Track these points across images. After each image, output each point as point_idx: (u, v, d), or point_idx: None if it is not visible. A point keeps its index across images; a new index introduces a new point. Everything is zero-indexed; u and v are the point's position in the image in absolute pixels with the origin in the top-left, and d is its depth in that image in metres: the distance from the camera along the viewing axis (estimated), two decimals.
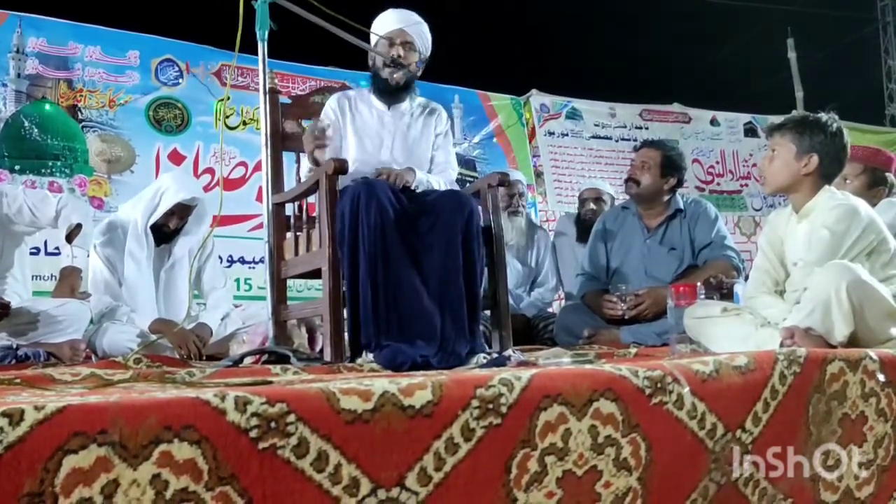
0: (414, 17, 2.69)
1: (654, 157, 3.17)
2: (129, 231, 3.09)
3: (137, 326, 2.95)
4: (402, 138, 2.69)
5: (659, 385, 1.20)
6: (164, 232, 3.12)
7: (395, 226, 2.24)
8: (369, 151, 2.62)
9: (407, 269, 2.23)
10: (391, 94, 2.68)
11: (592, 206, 4.05)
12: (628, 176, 3.24)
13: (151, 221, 3.07)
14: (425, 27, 2.71)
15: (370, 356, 2.13)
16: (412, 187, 2.49)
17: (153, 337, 2.84)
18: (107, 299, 3.03)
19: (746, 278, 2.81)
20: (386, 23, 2.67)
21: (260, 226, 2.96)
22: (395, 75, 2.64)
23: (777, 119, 2.71)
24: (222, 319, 3.15)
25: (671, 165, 3.17)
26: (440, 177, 2.69)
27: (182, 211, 3.12)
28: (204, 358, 2.91)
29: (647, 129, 5.77)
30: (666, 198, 3.20)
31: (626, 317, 3.00)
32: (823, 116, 2.24)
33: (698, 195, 5.87)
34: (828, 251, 2.05)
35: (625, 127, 5.76)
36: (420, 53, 2.68)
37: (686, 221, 3.16)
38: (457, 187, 2.76)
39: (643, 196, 3.19)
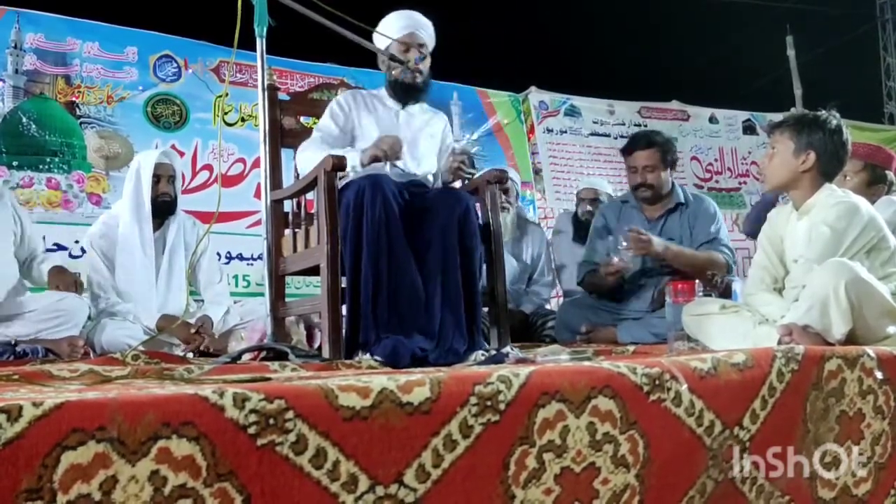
0: (421, 17, 2.71)
1: (654, 156, 3.14)
2: (123, 225, 3.09)
3: (143, 324, 2.95)
4: (415, 138, 2.69)
5: (657, 382, 1.20)
6: (166, 204, 3.14)
7: (399, 221, 2.24)
8: None
9: (409, 264, 2.23)
10: (409, 93, 2.69)
11: (589, 207, 4.04)
12: (639, 183, 3.16)
13: (149, 198, 3.08)
14: (430, 25, 2.73)
15: (367, 354, 2.13)
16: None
17: (156, 333, 2.85)
18: (105, 296, 3.03)
19: (745, 275, 2.82)
20: (399, 26, 2.67)
21: (258, 222, 2.96)
22: (417, 79, 2.66)
23: (776, 117, 2.71)
24: (222, 315, 3.15)
25: (669, 153, 3.18)
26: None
27: (164, 171, 3.14)
28: (209, 349, 2.94)
29: (645, 126, 5.74)
30: (669, 186, 3.20)
31: (626, 269, 2.97)
32: (822, 114, 2.23)
33: (697, 193, 5.90)
34: (828, 248, 2.05)
35: (623, 124, 5.75)
36: (429, 55, 2.72)
37: (687, 215, 3.17)
38: None
39: (656, 194, 3.17)
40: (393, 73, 2.67)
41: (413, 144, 2.66)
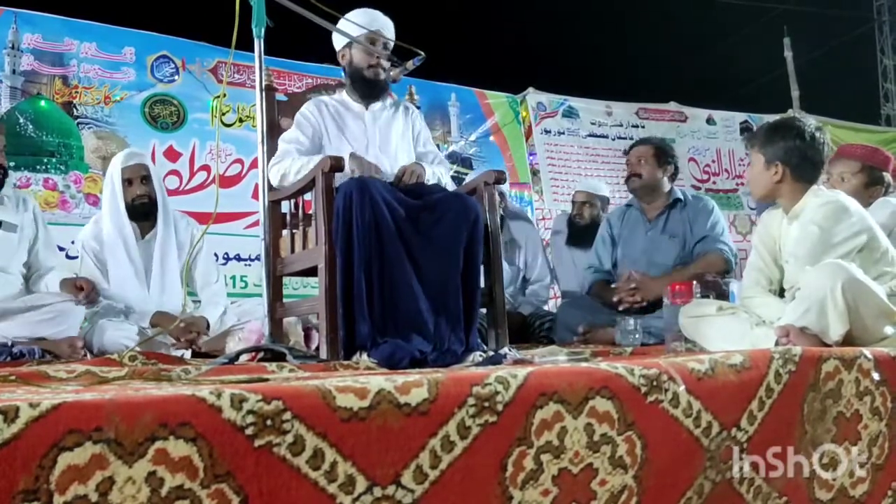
0: (386, 19, 2.71)
1: (647, 150, 3.35)
2: (107, 232, 3.08)
3: (136, 323, 2.94)
4: (385, 136, 2.71)
5: (655, 383, 1.20)
6: (144, 206, 3.08)
7: (391, 223, 2.24)
8: (358, 152, 2.62)
9: (403, 267, 2.23)
10: (373, 92, 2.71)
11: (581, 210, 4.06)
12: (629, 173, 3.37)
13: (124, 202, 3.05)
14: (392, 29, 2.74)
15: (365, 356, 2.13)
16: (425, 181, 2.51)
17: (152, 333, 2.84)
18: (100, 298, 3.02)
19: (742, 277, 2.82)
20: (367, 20, 2.66)
21: (256, 223, 2.96)
22: (380, 76, 2.67)
23: (773, 118, 2.72)
24: (219, 315, 3.14)
25: (665, 154, 3.36)
26: (441, 167, 2.75)
27: (132, 173, 3.07)
28: (201, 348, 2.93)
29: (643, 127, 5.76)
30: (666, 188, 3.35)
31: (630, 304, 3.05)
32: (786, 122, 2.24)
33: (694, 194, 5.91)
34: (817, 246, 2.05)
35: (621, 125, 5.76)
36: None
37: (686, 211, 3.29)
38: (449, 166, 2.83)
39: (646, 187, 3.33)
40: (367, 72, 2.68)
41: (384, 142, 2.69)
